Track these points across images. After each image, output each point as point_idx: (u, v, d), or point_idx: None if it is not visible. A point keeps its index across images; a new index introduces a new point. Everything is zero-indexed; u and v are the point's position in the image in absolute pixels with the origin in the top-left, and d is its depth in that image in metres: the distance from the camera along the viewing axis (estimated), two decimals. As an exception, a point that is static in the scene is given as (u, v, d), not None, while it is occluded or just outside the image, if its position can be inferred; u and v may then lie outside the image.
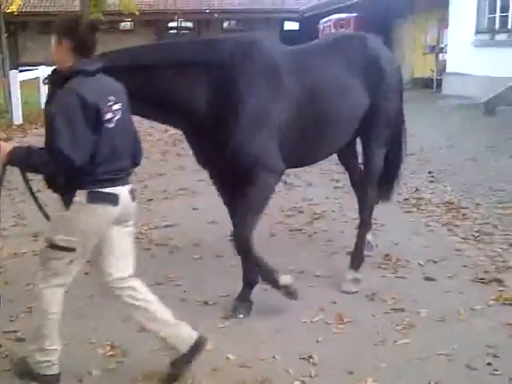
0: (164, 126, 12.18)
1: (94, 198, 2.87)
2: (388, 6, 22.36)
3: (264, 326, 3.72)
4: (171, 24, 35.08)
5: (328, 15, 28.24)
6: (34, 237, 5.51)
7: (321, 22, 28.21)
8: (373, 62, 4.20)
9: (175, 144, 10.44)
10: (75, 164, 2.73)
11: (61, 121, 2.74)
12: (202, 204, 6.50)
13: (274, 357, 3.33)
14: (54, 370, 3.10)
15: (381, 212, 5.79)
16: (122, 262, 3.14)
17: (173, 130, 11.70)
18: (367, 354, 3.37)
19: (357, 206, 5.30)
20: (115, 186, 2.93)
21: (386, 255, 4.83)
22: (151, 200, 6.73)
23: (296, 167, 4.58)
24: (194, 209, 6.38)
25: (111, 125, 2.87)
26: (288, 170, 4.26)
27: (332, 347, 3.44)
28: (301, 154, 4.08)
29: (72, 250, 2.94)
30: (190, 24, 35.63)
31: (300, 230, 5.55)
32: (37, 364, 3.09)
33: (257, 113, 3.69)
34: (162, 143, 10.59)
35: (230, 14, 34.01)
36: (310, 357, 3.30)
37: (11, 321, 3.84)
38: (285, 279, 3.81)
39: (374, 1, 22.59)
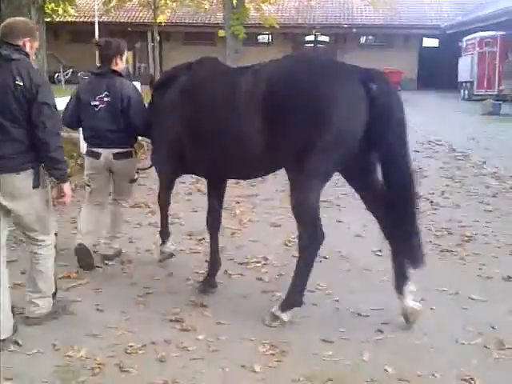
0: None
1: (87, 152, 5.00)
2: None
3: (420, 342, 3.71)
4: (308, 38, 35.55)
5: (471, 33, 27.36)
6: (189, 235, 5.85)
7: (464, 39, 27.35)
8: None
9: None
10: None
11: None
12: (346, 217, 6.57)
13: (433, 374, 3.32)
14: None
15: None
16: None
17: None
18: (531, 382, 3.27)
19: (511, 232, 5.13)
20: (98, 148, 4.85)
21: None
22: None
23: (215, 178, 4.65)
24: (338, 221, 6.44)
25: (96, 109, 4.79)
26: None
27: (493, 372, 3.36)
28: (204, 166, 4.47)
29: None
30: (326, 38, 35.88)
31: (451, 251, 5.44)
32: None
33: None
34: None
35: (369, 29, 33.79)
36: (471, 379, 3.26)
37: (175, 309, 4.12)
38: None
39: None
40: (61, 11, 24.53)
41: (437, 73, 33.89)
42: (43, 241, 3.90)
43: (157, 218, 6.11)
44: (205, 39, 31.90)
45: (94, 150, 4.89)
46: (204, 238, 5.66)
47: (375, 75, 3.79)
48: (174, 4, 27.76)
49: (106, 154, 4.85)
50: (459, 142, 12.37)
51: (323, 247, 5.41)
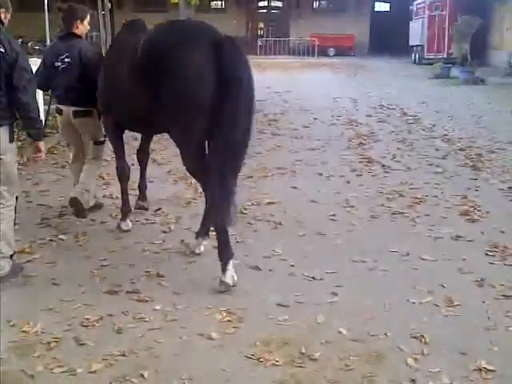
0: (257, 106, 12.56)
1: (55, 109, 5.34)
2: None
3: (372, 303, 3.81)
4: (261, 3, 35.23)
5: (421, -4, 27.58)
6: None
7: (414, 3, 27.59)
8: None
9: (270, 124, 10.59)
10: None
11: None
12: (301, 183, 6.64)
13: (385, 334, 3.42)
14: None
15: (485, 199, 5.75)
16: None
17: (266, 110, 12.00)
18: (479, 337, 3.40)
19: (460, 193, 5.24)
20: (61, 105, 5.24)
21: (493, 243, 4.79)
22: (251, 177, 6.88)
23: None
24: (293, 187, 6.50)
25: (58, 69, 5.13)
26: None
27: (443, 329, 3.49)
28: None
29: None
30: (279, 3, 35.64)
31: (402, 213, 5.56)
32: None
33: None
34: (257, 122, 10.72)
35: (321, -6, 33.71)
36: (422, 336, 3.38)
37: (131, 281, 4.12)
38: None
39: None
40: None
41: (388, 37, 34.16)
42: (7, 201, 4.08)
43: (112, 190, 6.10)
44: (157, 6, 31.28)
45: (58, 106, 5.34)
46: (160, 209, 5.66)
47: (225, 39, 3.93)
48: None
49: (67, 110, 5.26)
50: (410, 106, 12.58)
51: (278, 213, 5.56)
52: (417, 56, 26.29)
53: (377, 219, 5.44)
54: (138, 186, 5.64)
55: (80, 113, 5.21)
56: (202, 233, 4.71)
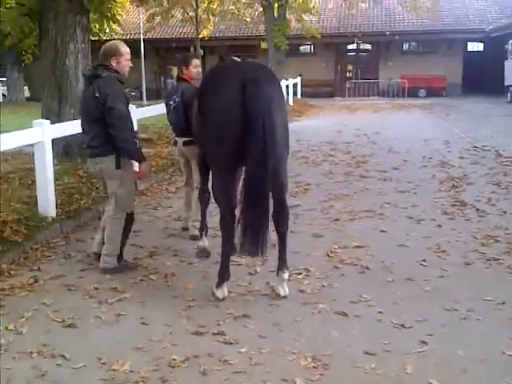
0: (345, 148, 12.55)
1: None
2: None
3: (465, 354, 3.63)
4: (350, 46, 35.45)
5: (517, 35, 26.81)
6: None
7: (510, 41, 26.78)
8: None
9: (358, 166, 10.50)
10: None
11: None
12: (390, 227, 6.50)
13: (479, 387, 3.25)
14: None
15: None
16: None
17: (355, 152, 11.93)
18: None
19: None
20: (176, 137, 6.42)
21: None
22: (337, 220, 6.84)
23: None
24: (381, 231, 6.38)
25: (171, 107, 6.18)
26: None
27: (543, 385, 3.27)
28: None
29: None
30: (368, 46, 35.72)
31: (497, 259, 5.31)
32: None
33: None
34: (345, 164, 10.70)
35: (411, 36, 33.46)
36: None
37: (217, 322, 4.15)
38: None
39: None
40: (107, 30, 25.15)
41: (482, 77, 33.29)
42: (115, 213, 5.26)
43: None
44: (247, 52, 32.17)
45: (175, 138, 6.40)
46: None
47: (250, 80, 4.26)
48: (216, 18, 27.96)
49: (180, 141, 6.20)
50: (506, 148, 12.10)
51: (366, 257, 5.46)
52: (513, 96, 25.42)
53: (470, 266, 5.22)
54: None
55: (188, 142, 5.97)
56: (280, 266, 4.67)
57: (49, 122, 6.63)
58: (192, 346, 3.86)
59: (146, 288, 4.93)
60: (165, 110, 6.41)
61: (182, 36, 33.05)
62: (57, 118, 7.77)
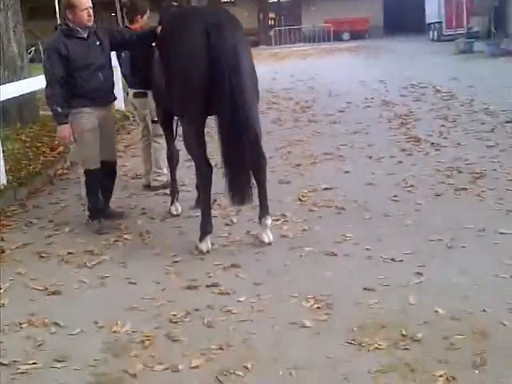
0: (288, 95, 12.47)
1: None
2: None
3: (461, 280, 3.71)
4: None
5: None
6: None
7: (428, -20, 27.20)
8: None
9: (304, 111, 10.48)
10: None
11: None
12: (352, 167, 6.53)
13: (483, 310, 3.32)
14: None
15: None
16: None
17: (297, 98, 11.90)
18: None
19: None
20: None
21: None
22: (299, 165, 6.81)
23: None
24: (345, 172, 6.40)
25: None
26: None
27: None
28: None
29: None
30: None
31: (465, 189, 5.44)
32: None
33: None
34: (291, 111, 10.65)
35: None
36: (522, 310, 3.28)
37: (208, 274, 4.07)
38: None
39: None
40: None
41: (402, 17, 33.78)
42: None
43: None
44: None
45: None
46: (216, 201, 5.57)
47: (213, 24, 4.18)
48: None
49: (130, 92, 6.20)
50: (441, 83, 12.38)
51: (338, 198, 5.48)
52: (435, 33, 25.91)
53: (441, 197, 5.32)
54: (196, 186, 5.58)
55: (138, 94, 5.98)
56: (262, 213, 4.61)
57: (-10, 84, 6.19)
58: (189, 300, 3.77)
59: (123, 248, 4.77)
60: None
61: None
62: (-11, 80, 7.28)
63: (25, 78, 8.20)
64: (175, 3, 5.67)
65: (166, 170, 6.28)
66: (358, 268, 4.04)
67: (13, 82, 7.79)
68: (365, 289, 3.71)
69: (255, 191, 4.47)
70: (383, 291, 3.67)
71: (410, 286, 3.69)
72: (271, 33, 33.09)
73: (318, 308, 3.53)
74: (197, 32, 4.20)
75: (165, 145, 5.93)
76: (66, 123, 4.79)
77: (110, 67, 5.06)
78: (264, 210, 4.57)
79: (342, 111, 10.13)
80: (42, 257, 4.68)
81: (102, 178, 5.14)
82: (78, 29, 4.76)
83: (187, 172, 6.34)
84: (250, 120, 4.25)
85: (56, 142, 7.75)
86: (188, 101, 4.31)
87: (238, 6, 33.62)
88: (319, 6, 33.41)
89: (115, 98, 5.22)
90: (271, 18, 35.33)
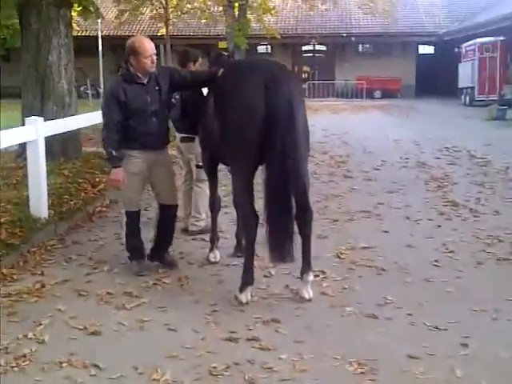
0: (322, 149, 12.56)
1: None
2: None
3: (509, 355, 3.63)
4: (306, 47, 35.67)
5: (466, 39, 27.55)
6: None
7: (463, 45, 27.52)
8: None
9: (339, 166, 10.53)
10: None
11: None
12: (390, 227, 6.51)
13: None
14: None
15: None
16: None
17: (331, 152, 11.98)
18: None
19: None
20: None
21: None
22: (336, 221, 6.80)
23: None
24: (384, 231, 6.38)
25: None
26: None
27: None
28: None
29: None
30: (323, 47, 36.01)
31: (507, 259, 5.38)
32: None
33: None
34: (326, 165, 10.70)
35: (366, 38, 33.93)
36: None
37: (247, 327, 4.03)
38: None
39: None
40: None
41: (434, 79, 34.07)
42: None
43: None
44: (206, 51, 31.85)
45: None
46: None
47: (271, 77, 4.28)
48: (185, 16, 27.46)
49: (178, 137, 6.25)
50: (476, 148, 12.38)
51: (377, 258, 5.45)
52: (467, 98, 26.07)
53: (483, 266, 5.26)
54: (236, 234, 5.61)
55: (185, 138, 6.06)
56: (305, 269, 4.58)
57: (42, 119, 6.34)
58: (229, 352, 3.73)
59: (162, 292, 4.76)
60: None
61: (140, 34, 32.48)
62: (39, 115, 7.43)
63: (72, 114, 8.40)
64: (225, 53, 5.88)
65: (204, 216, 6.34)
66: (401, 333, 3.98)
67: (60, 117, 7.98)
68: (409, 356, 3.64)
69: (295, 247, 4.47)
70: (429, 360, 3.60)
71: (455, 357, 3.62)
72: (305, 86, 33.57)
73: (362, 373, 3.47)
74: (255, 85, 4.28)
75: (206, 190, 6.01)
76: (120, 166, 4.84)
77: (166, 112, 5.08)
78: (307, 266, 4.55)
79: (377, 169, 10.16)
80: (82, 295, 4.69)
81: (160, 222, 5.21)
82: (139, 74, 4.82)
83: (224, 219, 6.39)
84: (300, 173, 4.30)
85: (97, 179, 7.90)
86: (241, 152, 4.35)
87: (274, 57, 34.29)
88: (353, 63, 33.93)
89: (168, 142, 5.23)
90: (305, 72, 35.89)
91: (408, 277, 5.00)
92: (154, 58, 4.81)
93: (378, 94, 32.83)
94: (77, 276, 5.10)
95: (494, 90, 24.33)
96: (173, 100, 5.87)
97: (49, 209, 6.41)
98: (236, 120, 4.32)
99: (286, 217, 4.35)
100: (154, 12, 26.93)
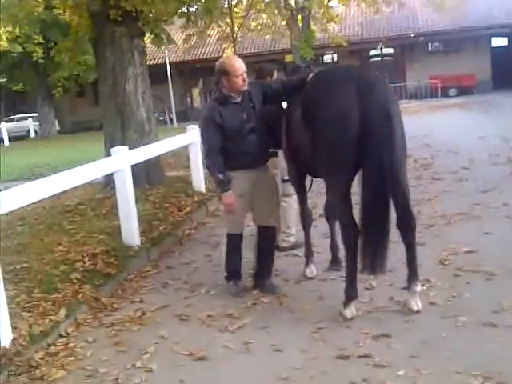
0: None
1: None
2: None
3: None
4: (372, 52, 35.16)
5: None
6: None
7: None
8: None
9: (425, 169, 10.18)
10: None
11: None
12: (492, 228, 6.15)
13: None
14: None
15: None
16: None
17: (415, 156, 11.61)
18: None
19: None
20: None
21: None
22: (432, 226, 6.50)
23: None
24: (486, 233, 6.03)
25: None
26: None
27: None
28: None
29: None
30: (391, 50, 35.37)
31: None
32: None
33: None
34: (411, 168, 10.34)
35: (435, 36, 33.05)
36: None
37: (357, 343, 3.85)
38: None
39: None
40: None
41: (511, 72, 32.68)
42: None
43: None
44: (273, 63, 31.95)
45: None
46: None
47: (364, 83, 4.14)
48: (251, 34, 27.76)
49: None
50: None
51: (484, 262, 5.13)
52: (550, 87, 24.86)
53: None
54: (330, 247, 5.45)
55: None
56: (411, 279, 4.35)
57: (127, 148, 6.42)
58: (342, 371, 3.57)
59: (262, 312, 4.66)
60: None
61: (205, 57, 33.07)
62: (121, 144, 7.57)
63: (152, 140, 8.51)
64: (303, 65, 5.79)
65: (294, 230, 6.21)
66: (520, 342, 3.69)
67: (141, 144, 8.09)
68: (536, 368, 3.36)
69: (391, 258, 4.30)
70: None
71: None
72: (374, 91, 33.01)
73: (488, 388, 3.22)
74: (348, 89, 4.11)
75: (293, 204, 5.88)
76: (229, 189, 4.72)
77: (263, 128, 4.92)
78: (413, 275, 4.32)
79: (466, 168, 9.72)
80: (183, 319, 4.66)
81: (259, 245, 5.07)
82: (232, 94, 4.71)
83: (314, 232, 6.22)
84: (399, 178, 4.15)
85: (182, 203, 7.94)
86: (337, 163, 4.19)
87: (340, 63, 33.99)
88: (423, 63, 33.10)
89: (270, 158, 5.12)
90: (375, 76, 35.29)
91: (522, 281, 4.67)
92: (245, 76, 4.67)
93: (453, 91, 31.81)
94: (175, 301, 5.08)
95: None
96: None
97: (140, 236, 6.46)
98: (329, 129, 4.15)
99: (382, 225, 4.19)
100: (221, 33, 27.30)
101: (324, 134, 4.19)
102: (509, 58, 32.84)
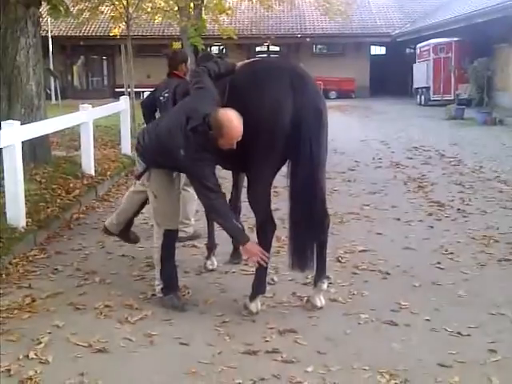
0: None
1: None
2: (489, 31, 21.75)
3: (540, 361, 3.55)
4: (259, 48, 35.57)
5: (419, 40, 27.96)
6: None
7: (418, 46, 27.92)
8: None
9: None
10: None
11: None
12: (383, 229, 6.40)
13: None
14: None
15: None
16: None
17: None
18: None
19: None
20: None
21: None
22: (326, 223, 6.65)
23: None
24: (377, 233, 6.27)
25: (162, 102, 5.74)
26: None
27: None
28: None
29: None
30: (277, 48, 35.97)
31: (508, 260, 5.33)
32: None
33: None
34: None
35: (321, 39, 34.07)
36: None
37: (264, 339, 3.83)
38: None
39: (475, 26, 22.12)
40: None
41: (386, 80, 34.46)
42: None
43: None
44: (158, 51, 31.35)
45: None
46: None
47: (297, 77, 4.09)
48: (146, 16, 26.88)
49: None
50: (443, 148, 12.47)
51: (378, 262, 5.32)
52: (423, 98, 26.42)
53: (486, 267, 5.19)
54: (232, 241, 5.37)
55: None
56: (319, 276, 4.40)
57: (19, 123, 5.95)
58: (251, 367, 3.52)
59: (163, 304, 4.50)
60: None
61: (91, 34, 31.69)
62: (6, 118, 6.99)
63: (41, 117, 7.97)
64: (213, 54, 5.77)
65: (193, 221, 6.10)
66: (425, 341, 3.84)
67: (29, 120, 7.57)
68: (440, 365, 3.51)
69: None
70: (461, 369, 3.47)
71: (487, 364, 3.51)
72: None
73: (397, 384, 3.32)
74: (282, 86, 4.01)
75: (194, 195, 5.76)
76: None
77: None
78: (322, 273, 4.37)
79: (352, 170, 10.09)
80: (78, 308, 4.39)
81: None
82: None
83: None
84: (323, 177, 4.17)
85: (71, 185, 7.54)
86: (266, 156, 4.05)
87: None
88: (307, 64, 33.92)
89: None
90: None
91: (415, 280, 4.88)
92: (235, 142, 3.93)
93: (333, 94, 32.93)
94: (68, 288, 4.79)
95: (448, 90, 24.74)
96: (161, 98, 5.64)
97: (26, 217, 6.03)
98: (262, 119, 3.96)
99: (311, 223, 4.16)
100: (115, 12, 26.23)
101: (256, 123, 3.95)
102: (385, 67, 34.58)
